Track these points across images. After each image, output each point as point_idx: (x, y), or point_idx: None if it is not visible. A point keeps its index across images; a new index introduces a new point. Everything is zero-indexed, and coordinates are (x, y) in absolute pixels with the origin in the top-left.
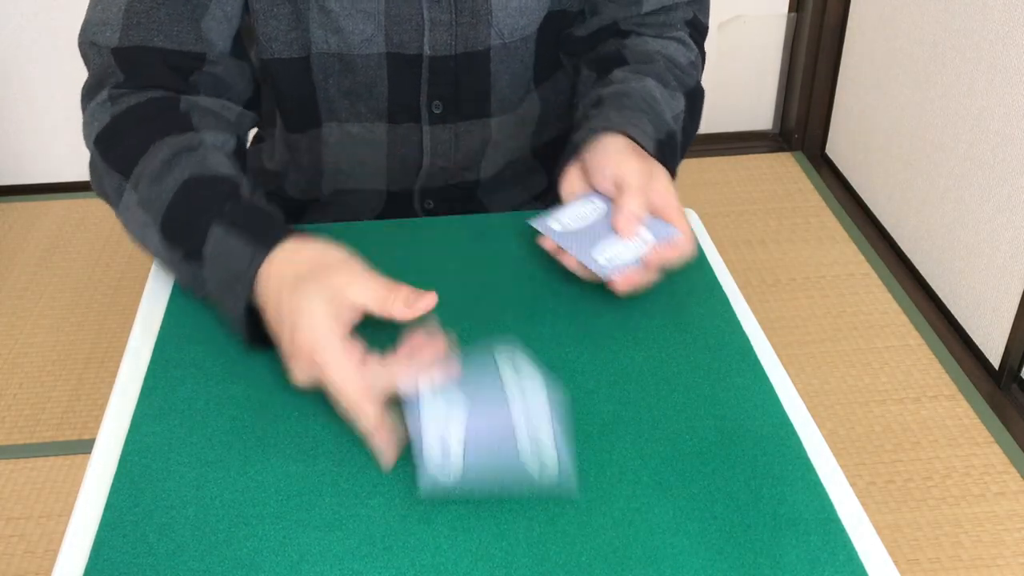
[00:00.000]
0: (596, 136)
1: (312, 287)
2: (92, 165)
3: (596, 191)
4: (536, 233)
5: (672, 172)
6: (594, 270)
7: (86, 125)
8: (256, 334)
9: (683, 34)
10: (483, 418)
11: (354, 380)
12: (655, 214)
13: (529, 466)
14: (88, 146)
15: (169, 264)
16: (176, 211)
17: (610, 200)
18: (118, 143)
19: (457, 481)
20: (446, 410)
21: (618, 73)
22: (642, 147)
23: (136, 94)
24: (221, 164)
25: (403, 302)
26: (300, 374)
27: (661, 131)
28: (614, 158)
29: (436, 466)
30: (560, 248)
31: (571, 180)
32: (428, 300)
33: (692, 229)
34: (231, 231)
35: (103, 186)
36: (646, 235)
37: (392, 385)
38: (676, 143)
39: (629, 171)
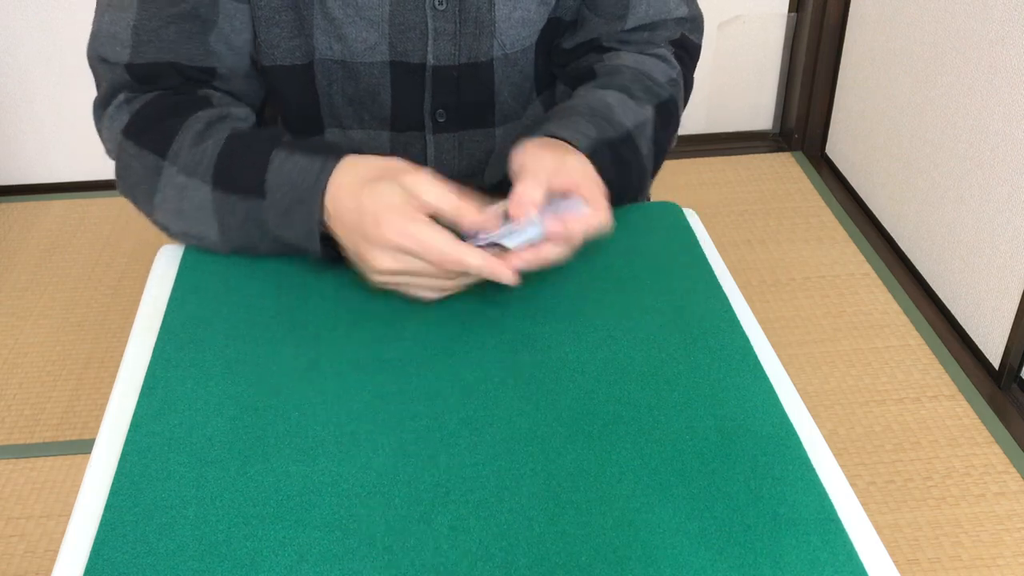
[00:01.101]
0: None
1: (387, 184)
2: (121, 157)
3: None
4: None
5: (640, 174)
6: (470, 243)
7: (107, 128)
8: (327, 252)
9: (665, 52)
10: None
11: (450, 236)
12: (568, 194)
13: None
14: (113, 146)
15: (217, 218)
16: (228, 158)
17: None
18: (150, 127)
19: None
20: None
21: (581, 89)
22: (570, 143)
23: (152, 93)
24: (255, 127)
25: (473, 211)
26: (387, 261)
27: (608, 132)
28: (520, 155)
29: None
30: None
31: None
32: (497, 207)
33: (606, 203)
34: (293, 154)
35: (134, 173)
36: (536, 217)
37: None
38: (637, 147)
39: (527, 160)
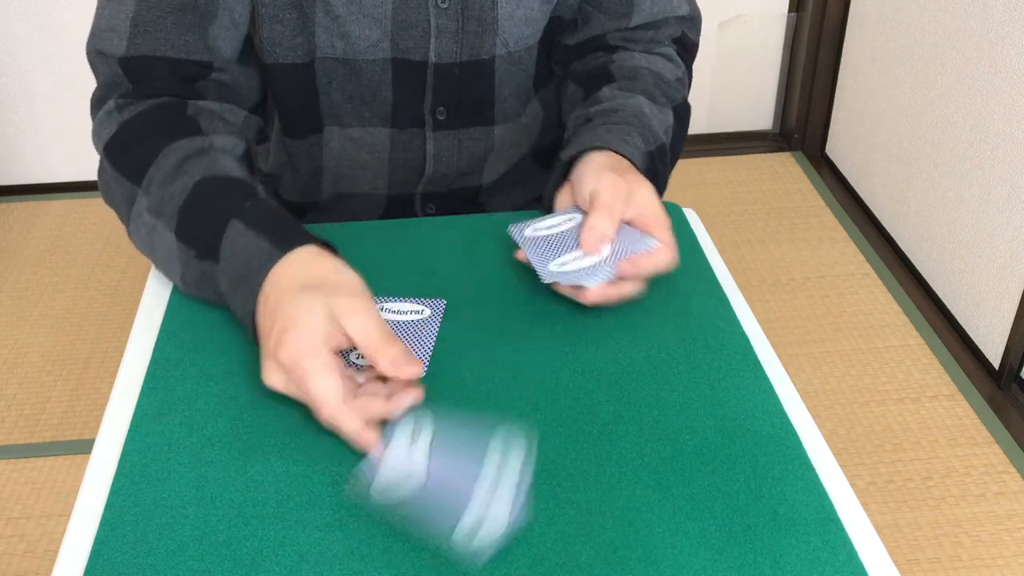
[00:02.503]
0: (584, 154)
1: (316, 298)
2: (101, 174)
3: (577, 207)
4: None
5: (664, 183)
6: (541, 276)
7: (95, 135)
8: None
9: (670, 50)
10: (445, 470)
11: (335, 391)
12: (637, 227)
13: (458, 535)
14: (98, 151)
15: (180, 266)
16: (192, 210)
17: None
18: (127, 150)
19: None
20: (414, 439)
21: (606, 91)
22: (631, 161)
23: (142, 102)
24: (232, 168)
25: (391, 360)
26: (275, 378)
27: (651, 144)
28: (593, 175)
29: (388, 474)
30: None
31: (562, 200)
32: (414, 369)
33: (673, 241)
34: (250, 228)
35: (113, 195)
36: (607, 251)
37: (367, 414)
38: (667, 156)
39: (602, 188)
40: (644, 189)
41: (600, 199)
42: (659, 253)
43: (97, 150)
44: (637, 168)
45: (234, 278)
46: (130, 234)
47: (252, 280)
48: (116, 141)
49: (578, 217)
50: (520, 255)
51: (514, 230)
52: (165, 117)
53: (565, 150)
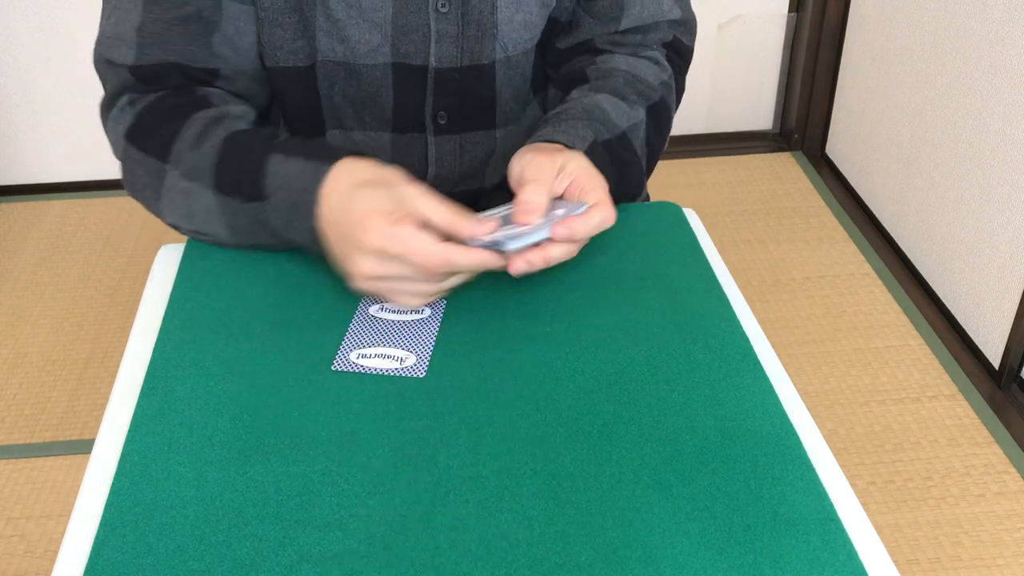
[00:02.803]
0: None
1: (379, 190)
2: (125, 161)
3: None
4: None
5: (637, 173)
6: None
7: (111, 131)
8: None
9: (657, 54)
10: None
11: (435, 245)
12: (572, 194)
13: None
14: (118, 149)
15: (227, 219)
16: (227, 163)
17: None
18: (151, 132)
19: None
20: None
21: (575, 92)
22: (569, 147)
23: (154, 94)
24: (252, 127)
25: (468, 224)
26: (368, 266)
27: (606, 133)
28: (518, 160)
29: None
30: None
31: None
32: (497, 212)
33: (608, 198)
34: (289, 158)
35: (139, 179)
36: (541, 223)
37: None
38: (632, 147)
39: (528, 166)
40: (573, 158)
41: (526, 175)
42: (594, 212)
43: (116, 143)
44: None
45: (286, 207)
46: (163, 211)
47: (306, 201)
48: (137, 127)
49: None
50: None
51: None
52: (180, 100)
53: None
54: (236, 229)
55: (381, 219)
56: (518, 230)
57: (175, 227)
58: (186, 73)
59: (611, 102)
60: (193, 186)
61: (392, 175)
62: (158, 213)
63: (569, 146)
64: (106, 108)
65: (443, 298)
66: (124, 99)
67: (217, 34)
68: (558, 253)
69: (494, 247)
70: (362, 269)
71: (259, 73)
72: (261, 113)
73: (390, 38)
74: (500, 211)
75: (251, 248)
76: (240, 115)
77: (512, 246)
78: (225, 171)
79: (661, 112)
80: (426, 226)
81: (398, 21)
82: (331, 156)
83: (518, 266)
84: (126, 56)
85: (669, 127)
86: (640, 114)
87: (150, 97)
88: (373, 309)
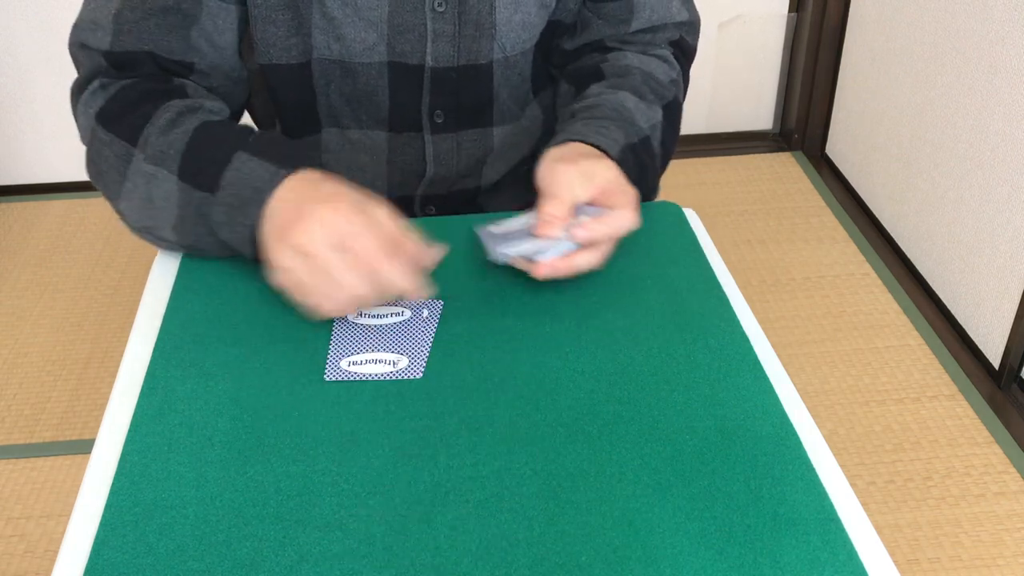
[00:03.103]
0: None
1: (338, 195)
2: (92, 143)
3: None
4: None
5: (654, 177)
6: (489, 254)
7: (81, 114)
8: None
9: (666, 52)
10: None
11: (381, 243)
12: (600, 202)
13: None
14: (85, 133)
15: (178, 210)
16: (196, 151)
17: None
18: (121, 115)
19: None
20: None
21: (594, 88)
22: (605, 151)
23: (128, 79)
24: (226, 120)
25: (414, 244)
26: (287, 259)
27: (632, 136)
28: (546, 169)
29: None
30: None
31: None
32: (435, 253)
33: (635, 205)
34: (255, 157)
35: (105, 160)
36: (560, 234)
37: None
38: (653, 150)
39: (552, 178)
40: (601, 166)
41: (549, 190)
42: (616, 215)
43: (85, 126)
44: (613, 159)
45: (234, 203)
46: (122, 197)
47: (256, 200)
48: (108, 107)
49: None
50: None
51: (478, 228)
52: (154, 86)
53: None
54: (183, 220)
55: (336, 212)
56: (543, 243)
57: (125, 219)
58: (160, 64)
59: (633, 102)
60: (158, 171)
61: (352, 192)
62: (115, 200)
63: (603, 150)
64: (77, 92)
65: (441, 298)
66: (96, 83)
67: (195, 28)
68: (583, 261)
69: (524, 259)
70: (280, 260)
71: (236, 72)
72: (234, 114)
73: (386, 37)
74: (522, 219)
75: (188, 250)
76: (215, 110)
77: (540, 259)
78: (191, 159)
79: (675, 111)
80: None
81: (394, 20)
82: (294, 162)
83: (543, 271)
84: (101, 41)
85: (679, 126)
86: (658, 114)
87: (124, 81)
88: (352, 315)
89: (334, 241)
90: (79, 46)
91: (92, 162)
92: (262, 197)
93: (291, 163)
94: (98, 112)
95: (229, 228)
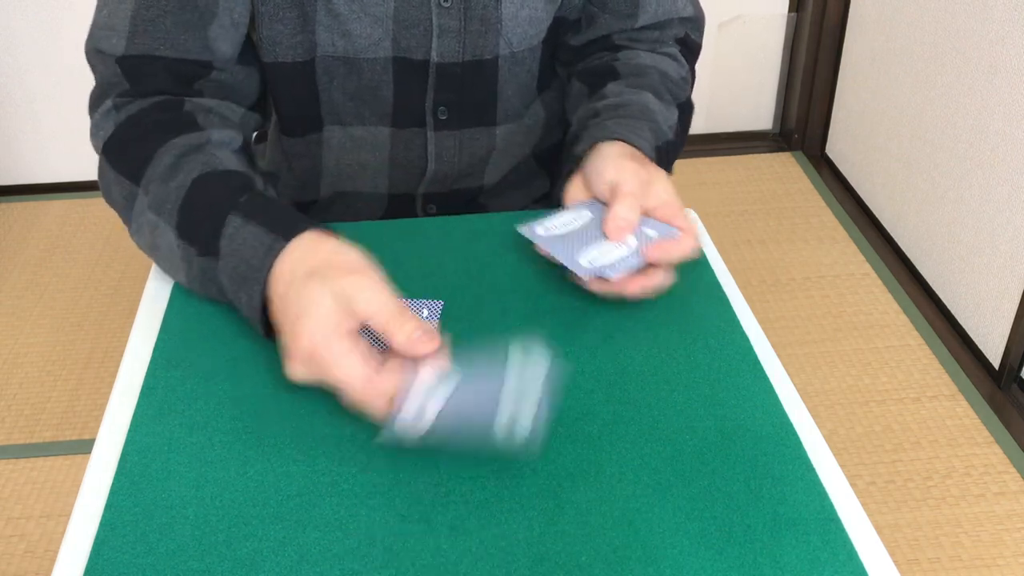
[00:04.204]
0: (595, 146)
1: (323, 284)
2: (102, 175)
3: (587, 201)
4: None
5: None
6: (576, 272)
7: (92, 135)
8: (273, 327)
9: (675, 50)
10: (470, 391)
11: (359, 372)
12: (656, 216)
13: (497, 435)
14: (96, 153)
15: (184, 264)
16: (190, 208)
17: (599, 207)
18: (125, 151)
19: (417, 437)
20: (436, 384)
21: (613, 87)
22: (642, 153)
23: (139, 101)
24: (229, 161)
25: (408, 333)
26: (298, 370)
27: (660, 139)
28: (612, 163)
29: (405, 424)
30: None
31: (573, 191)
32: (432, 344)
33: (695, 228)
34: (249, 222)
35: (114, 195)
36: (632, 241)
37: (389, 388)
38: (674, 152)
39: (624, 176)
40: (662, 178)
41: (623, 187)
42: (683, 240)
43: (95, 145)
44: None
45: (236, 275)
46: (133, 234)
47: (255, 276)
48: (113, 142)
49: (588, 213)
50: (541, 250)
51: (524, 229)
52: (161, 116)
53: (577, 145)
54: (191, 276)
55: (315, 324)
56: (612, 257)
57: (143, 251)
58: (174, 69)
59: (655, 103)
60: (159, 221)
61: (342, 262)
62: (129, 230)
63: (639, 148)
64: (92, 106)
65: (441, 299)
66: (108, 103)
67: (213, 25)
68: (658, 281)
69: (575, 269)
70: (292, 372)
71: (249, 64)
72: (250, 107)
73: (391, 32)
74: (566, 218)
75: (205, 297)
76: (223, 142)
77: (612, 275)
78: (187, 217)
79: (688, 111)
80: (367, 325)
81: (400, 15)
82: (287, 230)
83: (632, 289)
84: (116, 46)
85: (690, 125)
86: (674, 115)
87: (132, 108)
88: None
89: (320, 378)
90: (94, 52)
91: (104, 192)
92: (260, 276)
93: (282, 228)
94: (105, 143)
95: (238, 298)
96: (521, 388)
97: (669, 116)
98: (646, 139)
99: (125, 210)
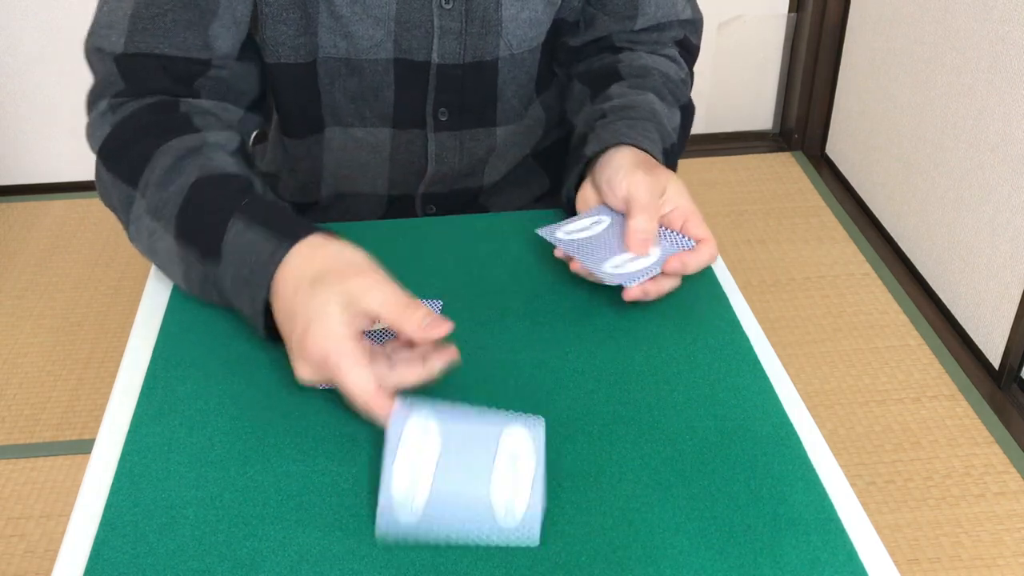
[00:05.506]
0: (606, 151)
1: (329, 290)
2: (98, 177)
3: (604, 206)
4: (541, 239)
5: None
6: (603, 279)
7: (89, 136)
8: (274, 330)
9: (674, 52)
10: (460, 463)
11: (367, 381)
12: (671, 219)
13: (495, 521)
14: (94, 156)
15: (183, 268)
16: (189, 212)
17: (614, 213)
18: (121, 154)
19: (416, 522)
20: (422, 454)
21: (616, 88)
22: (652, 156)
23: (135, 101)
24: (226, 163)
25: (418, 322)
26: (307, 373)
27: (666, 141)
28: (624, 176)
29: (398, 505)
30: (569, 256)
31: (585, 198)
32: (444, 327)
33: (713, 240)
34: (252, 226)
35: (111, 198)
36: (655, 251)
37: (400, 384)
38: (677, 155)
39: (638, 190)
40: (674, 184)
41: (638, 201)
42: (703, 249)
43: (91, 146)
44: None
45: (238, 279)
46: (131, 237)
47: (259, 280)
48: (109, 144)
49: (606, 219)
50: (558, 253)
51: (545, 232)
52: (157, 118)
53: (587, 146)
54: (190, 280)
55: (323, 328)
56: (632, 267)
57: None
58: (173, 70)
59: (660, 105)
60: (157, 226)
61: (347, 264)
62: (127, 233)
63: (650, 154)
64: (89, 105)
65: (440, 299)
66: (104, 104)
67: (215, 23)
68: (669, 286)
69: (603, 276)
70: (300, 374)
71: (249, 62)
72: (249, 107)
73: (393, 34)
74: (584, 223)
75: (204, 300)
76: (220, 143)
77: (630, 284)
78: (186, 221)
79: (689, 113)
80: (376, 321)
81: (401, 17)
82: (291, 235)
83: (633, 293)
84: (115, 44)
85: (691, 126)
86: (677, 117)
87: (128, 109)
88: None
89: (325, 379)
90: (93, 50)
91: (101, 195)
92: (264, 280)
93: (285, 232)
94: (101, 146)
95: (240, 300)
96: (514, 463)
97: (672, 118)
98: (654, 141)
99: (122, 213)
